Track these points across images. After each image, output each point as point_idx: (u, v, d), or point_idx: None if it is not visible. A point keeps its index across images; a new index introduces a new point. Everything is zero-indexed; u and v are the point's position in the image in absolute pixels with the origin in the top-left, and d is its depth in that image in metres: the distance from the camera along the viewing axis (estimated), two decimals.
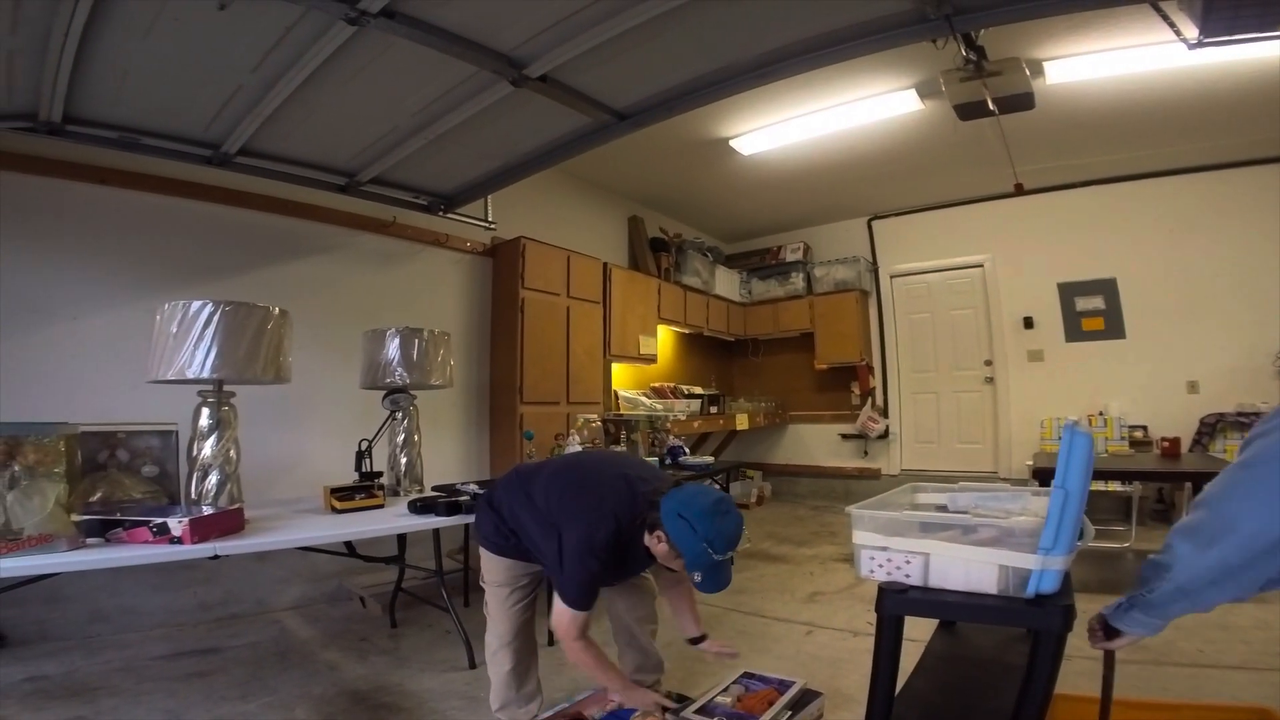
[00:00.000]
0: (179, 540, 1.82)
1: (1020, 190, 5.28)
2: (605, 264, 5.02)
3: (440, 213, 4.00)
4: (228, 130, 2.78)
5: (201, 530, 1.86)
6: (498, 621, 1.91)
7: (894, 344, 6.28)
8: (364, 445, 2.80)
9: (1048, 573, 1.18)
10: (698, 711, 1.72)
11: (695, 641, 1.92)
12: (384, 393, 2.92)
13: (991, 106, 3.43)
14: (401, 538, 2.89)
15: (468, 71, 2.40)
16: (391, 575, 3.10)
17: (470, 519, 2.55)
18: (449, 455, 4.20)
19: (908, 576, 1.31)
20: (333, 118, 2.76)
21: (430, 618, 3.05)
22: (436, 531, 2.64)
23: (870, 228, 6.40)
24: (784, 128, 4.38)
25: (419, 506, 2.50)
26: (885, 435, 6.13)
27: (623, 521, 1.67)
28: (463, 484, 3.03)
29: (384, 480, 2.86)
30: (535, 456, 3.61)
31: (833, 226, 6.51)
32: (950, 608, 1.35)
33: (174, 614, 3.01)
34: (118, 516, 1.83)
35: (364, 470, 2.79)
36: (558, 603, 1.69)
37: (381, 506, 2.62)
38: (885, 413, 6.21)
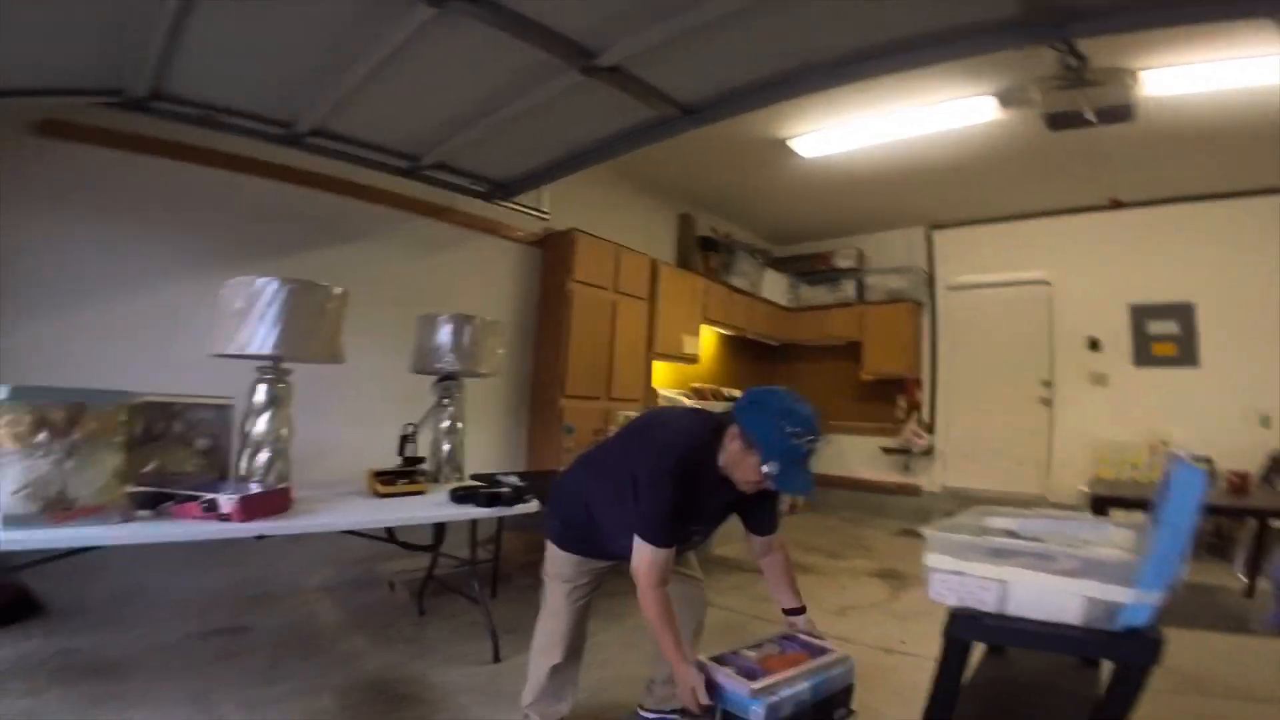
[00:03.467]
0: (227, 518, 1.80)
1: (1116, 205, 5.02)
2: (654, 260, 4.95)
3: (495, 200, 4.00)
4: (301, 109, 2.81)
5: (250, 509, 1.85)
6: (554, 616, 1.85)
7: (946, 358, 6.05)
8: (410, 429, 2.78)
9: (1142, 607, 1.16)
10: (714, 658, 1.64)
11: (791, 613, 1.81)
12: (433, 378, 2.90)
13: (1091, 117, 3.24)
14: (440, 525, 2.87)
15: (538, 58, 2.35)
16: (422, 562, 3.08)
17: (510, 511, 2.52)
18: (487, 444, 4.18)
19: (982, 602, 1.29)
20: (402, 100, 2.76)
21: (457, 608, 3.00)
22: (474, 522, 2.62)
23: (929, 237, 6.17)
24: (847, 130, 4.23)
25: (460, 496, 2.48)
26: (929, 451, 5.93)
27: (695, 441, 1.63)
28: (503, 475, 3.01)
29: (425, 466, 2.84)
30: (574, 452, 3.57)
31: (889, 234, 6.29)
32: (1028, 636, 1.32)
33: (207, 590, 3.02)
34: (170, 490, 1.82)
35: (407, 455, 2.78)
36: (638, 547, 1.60)
37: (423, 493, 2.59)
38: (931, 428, 6.00)
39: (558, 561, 1.85)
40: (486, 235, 4.24)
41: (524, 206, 4.20)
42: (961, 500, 5.45)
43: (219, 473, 2.20)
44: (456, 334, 2.82)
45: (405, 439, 2.80)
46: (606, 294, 4.51)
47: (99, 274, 2.83)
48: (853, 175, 4.93)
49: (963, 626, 1.32)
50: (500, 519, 2.90)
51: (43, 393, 1.50)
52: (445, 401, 2.90)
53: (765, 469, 1.51)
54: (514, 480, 2.84)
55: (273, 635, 2.75)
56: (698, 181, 5.37)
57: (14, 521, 1.48)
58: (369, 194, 3.61)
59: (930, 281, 6.14)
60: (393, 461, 2.73)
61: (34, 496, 1.50)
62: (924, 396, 6.06)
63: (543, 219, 4.32)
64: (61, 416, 1.50)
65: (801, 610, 1.80)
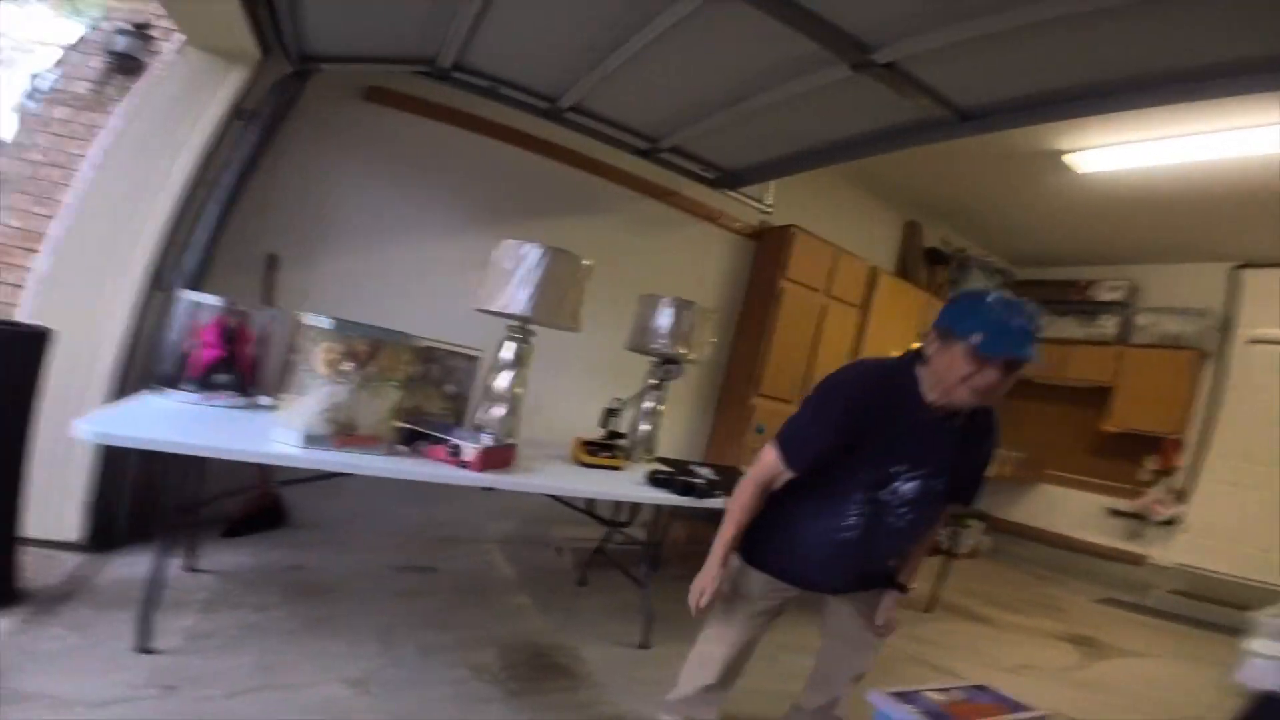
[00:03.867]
0: (466, 465, 1.92)
1: None
2: (873, 267, 4.62)
3: (721, 189, 3.98)
4: (567, 85, 2.98)
5: (487, 460, 1.96)
6: (720, 640, 1.67)
7: (1227, 422, 4.93)
8: (617, 404, 2.86)
9: None
10: (897, 694, 1.48)
11: (895, 587, 1.63)
12: (651, 357, 2.96)
13: None
14: (633, 504, 2.93)
15: (808, 50, 2.25)
16: (588, 531, 3.15)
17: (701, 503, 2.48)
18: (671, 429, 4.20)
19: None
20: (657, 82, 2.80)
21: (614, 584, 3.02)
22: (659, 507, 2.63)
23: (1235, 277, 5.05)
24: (1140, 147, 3.55)
25: (658, 480, 2.51)
26: (1170, 522, 4.93)
27: (888, 363, 1.48)
28: (694, 464, 3.01)
29: (624, 443, 2.93)
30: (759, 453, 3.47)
31: (1176, 268, 5.27)
32: None
33: (409, 524, 3.34)
34: (424, 430, 1.99)
35: (611, 429, 2.87)
36: (764, 450, 1.50)
37: (619, 469, 2.64)
38: (1181, 498, 4.97)
39: (743, 578, 1.66)
40: (704, 222, 4.23)
41: (748, 197, 4.14)
42: (1193, 580, 4.69)
43: (457, 419, 2.42)
44: (676, 317, 2.84)
45: (610, 412, 2.87)
46: (817, 297, 4.30)
47: (387, 224, 3.28)
48: (1141, 197, 4.15)
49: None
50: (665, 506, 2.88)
51: (353, 327, 1.74)
52: (659, 383, 2.95)
53: (971, 340, 1.27)
54: (707, 472, 2.82)
55: (453, 580, 2.96)
56: (931, 188, 4.88)
57: (312, 440, 1.71)
58: (605, 171, 3.76)
59: (1225, 329, 5.04)
60: (590, 431, 2.84)
61: (330, 420, 1.72)
62: (1183, 461, 5.03)
63: (765, 212, 4.22)
64: (364, 350, 1.73)
65: (903, 589, 1.62)
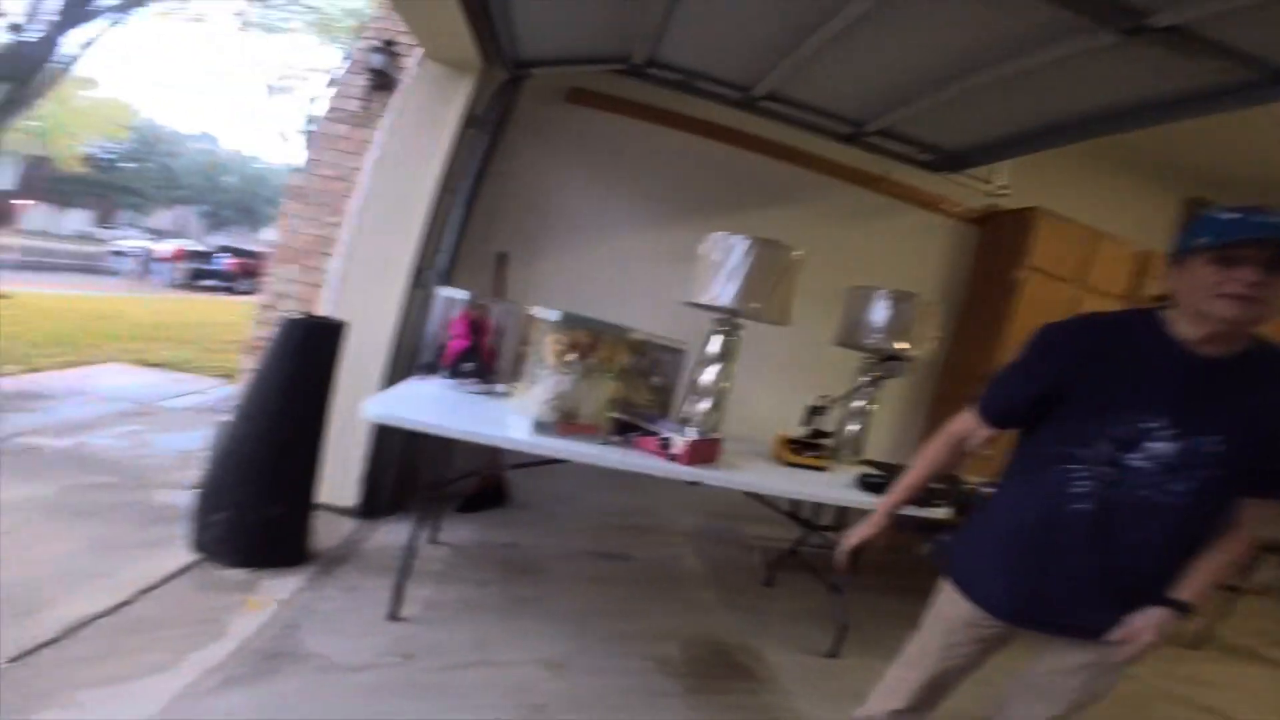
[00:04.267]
0: (675, 458, 1.96)
1: None
2: (1143, 253, 3.89)
3: (940, 172, 3.64)
4: (761, 73, 2.93)
5: (694, 453, 1.98)
6: (915, 666, 1.47)
7: None
8: (823, 402, 2.75)
9: None
10: None
11: (1166, 604, 1.18)
12: (864, 353, 2.79)
13: None
14: (840, 508, 2.79)
15: (1054, 17, 1.96)
16: (778, 531, 3.06)
17: (918, 513, 2.28)
18: (876, 430, 3.96)
19: None
20: (865, 62, 2.63)
21: (803, 587, 2.94)
22: (865, 512, 2.46)
23: None
24: None
25: (870, 483, 2.35)
26: None
27: (1118, 312, 1.22)
28: (909, 469, 2.78)
29: (829, 442, 2.80)
30: (992, 460, 3.09)
31: None
32: None
33: (606, 511, 3.50)
34: (636, 422, 2.07)
35: (815, 427, 2.77)
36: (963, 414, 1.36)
37: (824, 469, 2.53)
38: None
39: (944, 600, 1.40)
40: (919, 209, 3.88)
41: (974, 180, 3.72)
42: None
43: (663, 411, 2.48)
44: (894, 311, 2.64)
45: (815, 410, 2.76)
46: (1067, 287, 3.71)
47: (594, 221, 3.50)
48: None
49: None
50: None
51: (578, 320, 1.87)
52: (872, 381, 2.78)
53: (1201, 241, 1.06)
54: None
55: (644, 569, 3.03)
56: (1219, 160, 3.95)
57: (539, 427, 1.87)
58: (804, 159, 3.63)
59: None
60: (790, 428, 2.74)
61: (556, 409, 1.87)
62: None
63: (997, 195, 3.77)
64: (586, 342, 1.85)
65: (1185, 609, 1.17)
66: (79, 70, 10.45)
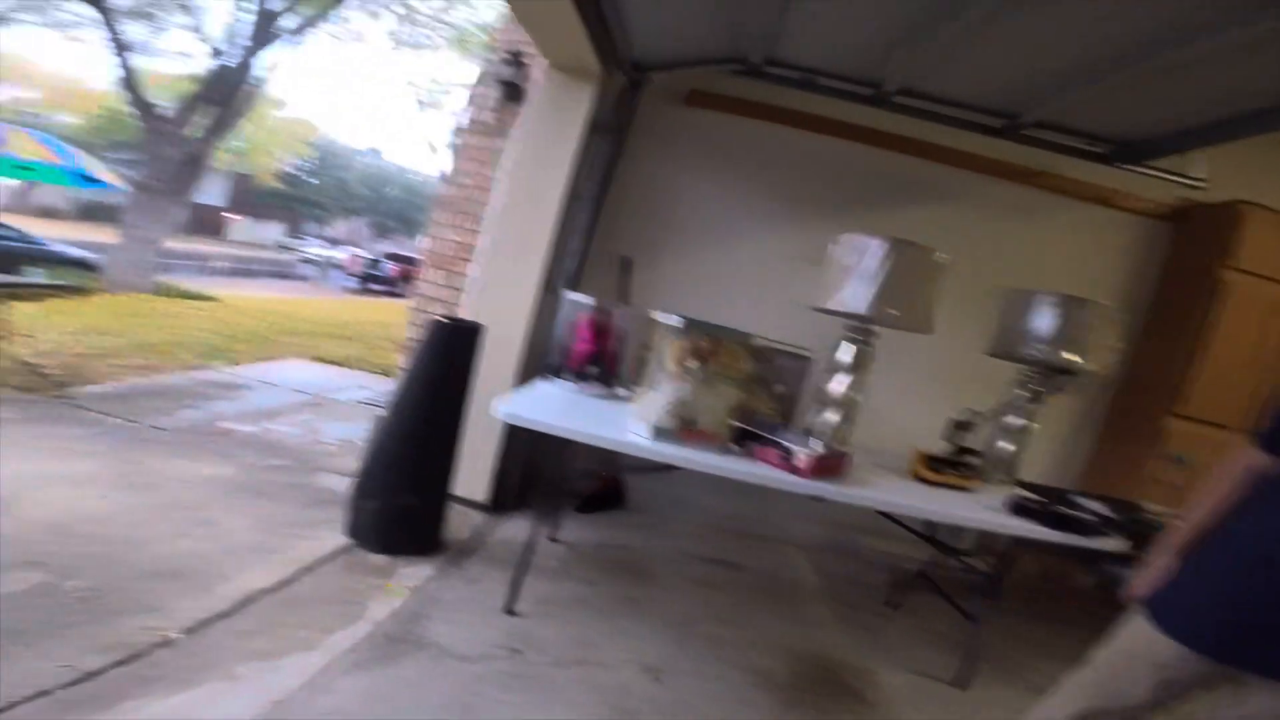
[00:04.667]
0: (798, 471, 1.88)
1: None
2: None
3: (1118, 164, 3.20)
4: (892, 67, 2.75)
5: (819, 467, 1.89)
6: (1080, 690, 1.33)
7: None
8: (970, 417, 2.52)
9: None
10: None
11: None
12: (1023, 364, 2.52)
13: None
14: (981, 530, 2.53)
15: None
16: (907, 549, 2.87)
17: (1086, 543, 2.01)
18: (1033, 448, 3.57)
19: None
20: (1012, 50, 2.39)
21: (933, 611, 2.71)
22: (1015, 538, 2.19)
23: None
24: None
25: (1024, 508, 2.10)
26: None
27: None
28: (1073, 494, 2.47)
29: (977, 461, 2.55)
30: (1183, 490, 2.68)
31: None
32: None
33: (720, 516, 3.44)
34: (757, 431, 2.00)
35: (959, 444, 2.53)
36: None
37: (969, 490, 2.31)
38: None
39: (1140, 641, 1.26)
40: (1091, 205, 3.43)
41: (1161, 172, 3.23)
42: None
43: (785, 420, 2.38)
44: (1063, 317, 2.34)
45: (960, 426, 2.54)
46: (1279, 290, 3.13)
47: (715, 224, 3.44)
48: None
49: None
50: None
51: (700, 325, 1.83)
52: (1035, 396, 2.50)
53: None
54: (1095, 505, 2.28)
55: (753, 578, 2.95)
56: None
57: (659, 433, 1.86)
58: (946, 155, 3.35)
59: None
60: (932, 443, 2.53)
61: (675, 415, 1.84)
62: None
63: (1194, 187, 3.24)
64: (707, 348, 1.80)
65: None
66: (270, 92, 11.93)
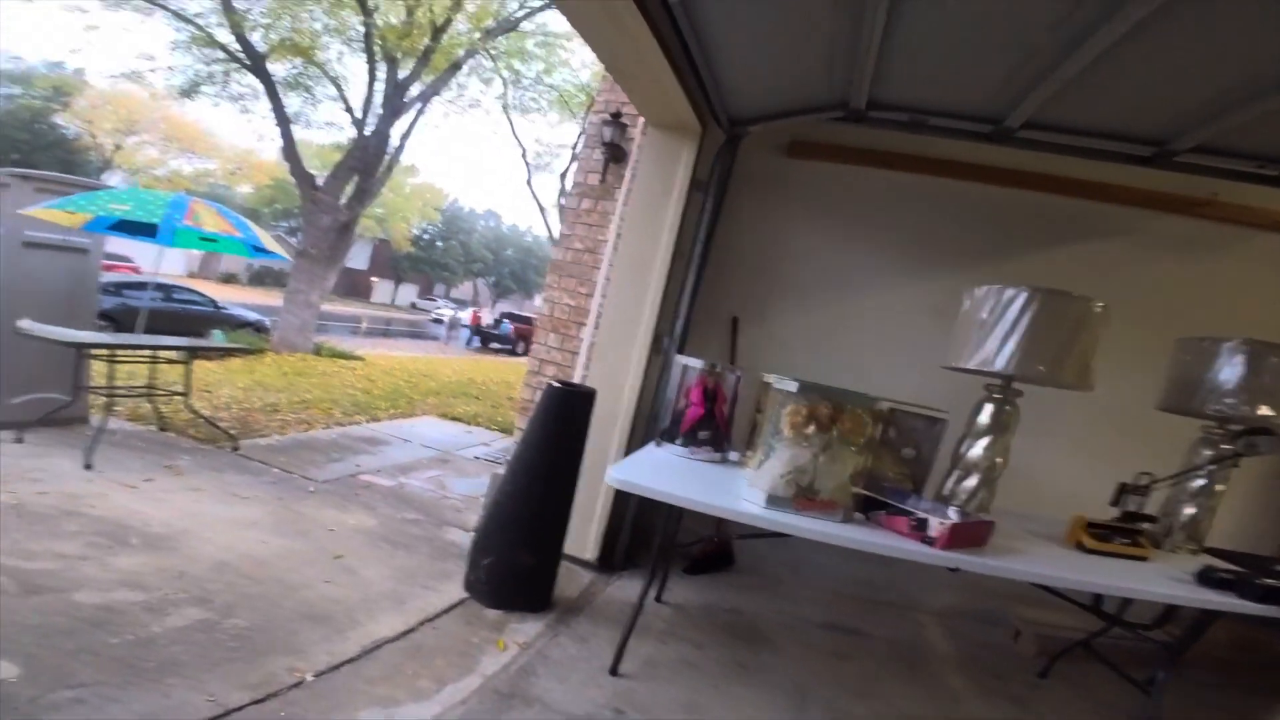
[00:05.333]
0: (931, 542, 1.74)
1: None
2: None
3: None
4: (1013, 102, 2.60)
5: (956, 537, 1.74)
6: None
7: None
8: (1144, 480, 2.22)
9: None
10: None
11: None
12: (1206, 421, 2.24)
13: None
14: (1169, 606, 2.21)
15: None
16: (1067, 618, 2.56)
17: None
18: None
19: None
20: (1153, 76, 2.20)
21: (1094, 681, 2.51)
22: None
23: None
24: None
25: (1215, 579, 1.86)
26: None
27: None
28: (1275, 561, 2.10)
29: (1152, 527, 2.25)
30: None
31: None
32: None
33: (840, 581, 3.24)
34: (884, 500, 1.87)
35: (1129, 509, 2.23)
36: None
37: (1144, 559, 2.06)
38: None
39: None
40: (1270, 233, 3.02)
41: None
42: None
43: (914, 485, 2.20)
44: (1251, 367, 2.04)
45: (1130, 489, 2.26)
46: None
47: (826, 277, 3.32)
48: None
49: None
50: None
51: (817, 389, 1.74)
52: (1227, 457, 2.18)
53: None
54: None
55: (881, 646, 2.78)
56: None
57: (774, 501, 1.77)
58: (1086, 189, 3.08)
59: None
60: (1092, 506, 2.25)
61: (792, 482, 1.75)
62: None
63: None
64: (826, 414, 1.71)
65: None
66: (404, 159, 12.92)
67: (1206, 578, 1.88)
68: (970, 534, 1.83)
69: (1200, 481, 2.23)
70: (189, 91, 10.97)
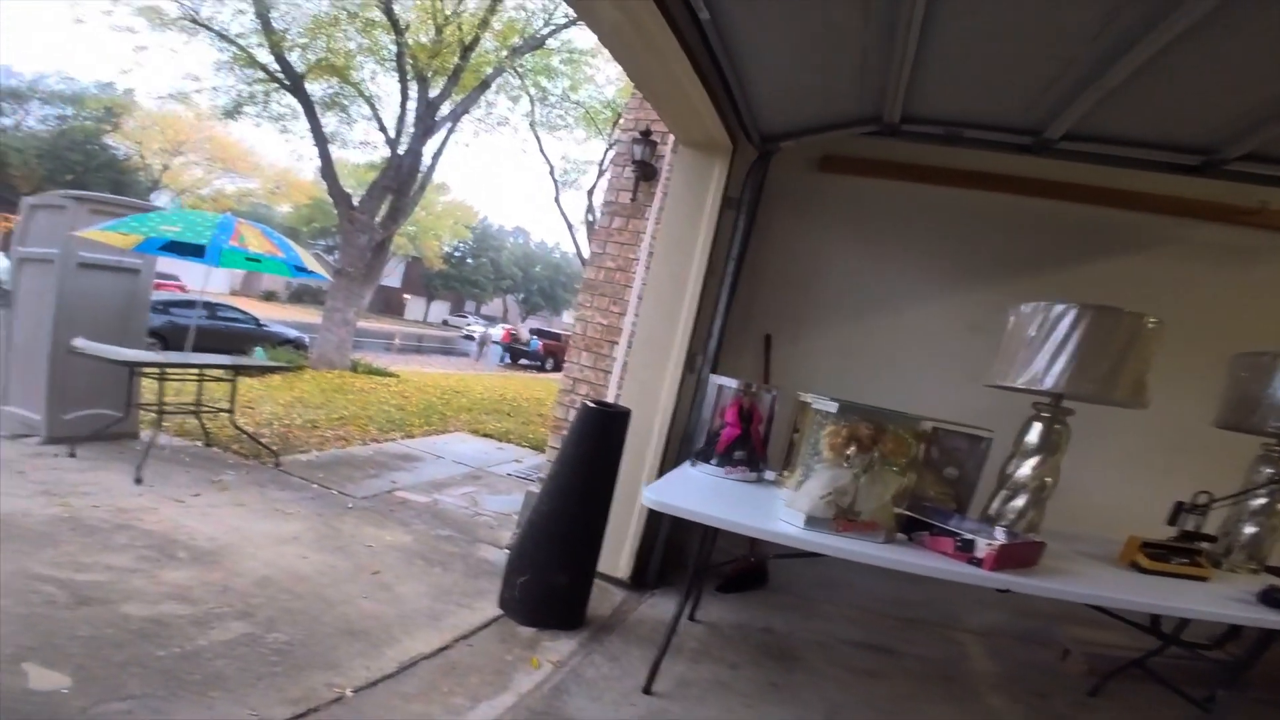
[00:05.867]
0: (978, 563, 1.69)
1: None
2: None
3: None
4: (1054, 112, 2.55)
5: (1004, 558, 1.69)
6: None
7: None
8: (1202, 499, 2.14)
9: None
10: None
11: None
12: (1271, 439, 2.16)
13: None
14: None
15: None
16: (1119, 639, 2.49)
17: None
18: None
19: None
20: (1202, 83, 2.14)
21: (1146, 700, 2.44)
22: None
23: None
24: None
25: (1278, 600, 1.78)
26: None
27: None
28: None
29: (1212, 547, 2.17)
30: None
31: None
32: None
33: (873, 598, 3.17)
34: (928, 520, 1.82)
35: (1186, 529, 2.14)
36: None
37: (1204, 579, 1.98)
38: None
39: None
40: None
41: None
42: None
43: (957, 505, 2.15)
44: None
45: (1186, 508, 2.17)
46: None
47: (861, 294, 3.27)
48: None
49: None
50: None
51: (858, 409, 1.71)
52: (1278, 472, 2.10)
53: None
54: None
55: (916, 666, 2.70)
56: None
57: (813, 523, 1.73)
58: (1131, 200, 2.98)
59: None
60: (1147, 524, 2.16)
61: (832, 504, 1.72)
62: None
63: None
64: (868, 434, 1.68)
65: None
66: (435, 178, 13.14)
67: (1269, 597, 1.82)
68: (1019, 554, 1.77)
69: (1261, 500, 2.15)
70: (232, 112, 11.33)
